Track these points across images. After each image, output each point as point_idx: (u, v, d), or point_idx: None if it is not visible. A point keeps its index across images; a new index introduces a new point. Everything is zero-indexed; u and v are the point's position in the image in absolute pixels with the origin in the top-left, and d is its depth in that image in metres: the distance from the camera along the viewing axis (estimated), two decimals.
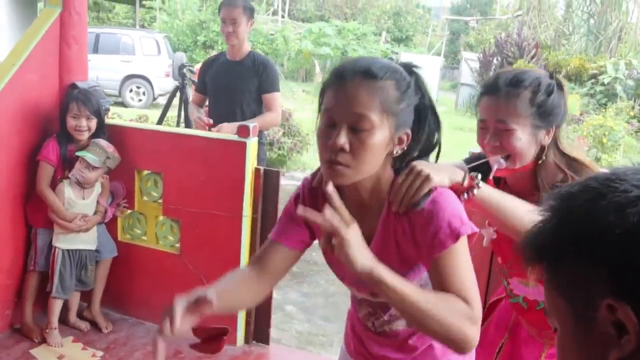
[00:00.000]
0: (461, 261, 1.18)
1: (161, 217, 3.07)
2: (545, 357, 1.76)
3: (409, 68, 1.27)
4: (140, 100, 13.58)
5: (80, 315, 3.13)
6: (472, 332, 1.11)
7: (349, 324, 1.57)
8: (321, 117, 1.22)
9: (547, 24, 19.40)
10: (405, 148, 1.25)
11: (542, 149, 1.53)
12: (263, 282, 1.38)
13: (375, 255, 1.13)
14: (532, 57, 16.49)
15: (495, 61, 17.21)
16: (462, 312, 1.11)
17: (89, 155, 2.83)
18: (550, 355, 1.74)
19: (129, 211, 3.13)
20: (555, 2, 21.24)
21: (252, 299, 1.42)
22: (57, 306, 2.94)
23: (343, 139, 1.15)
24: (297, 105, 12.31)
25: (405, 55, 21.47)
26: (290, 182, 7.15)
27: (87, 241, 2.96)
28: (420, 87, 1.26)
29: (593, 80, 15.31)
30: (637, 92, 14.54)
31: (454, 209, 1.21)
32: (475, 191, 1.35)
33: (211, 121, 3.27)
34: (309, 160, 7.99)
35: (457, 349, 1.13)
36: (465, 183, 1.34)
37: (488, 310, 1.93)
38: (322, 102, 1.24)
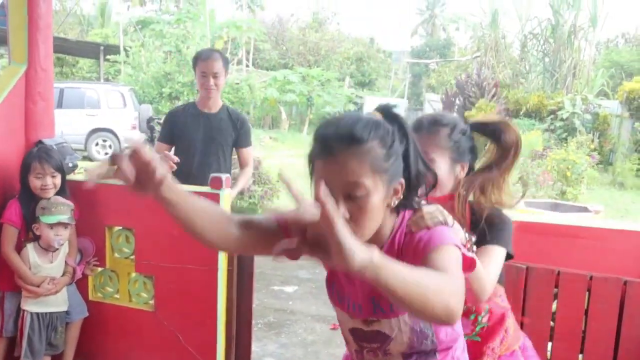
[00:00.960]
0: (451, 258, 1.17)
1: (134, 274, 2.99)
2: None
3: (389, 115, 1.30)
4: (106, 153, 13.42)
5: None
6: (457, 304, 1.07)
7: None
8: (315, 186, 1.22)
9: (504, 63, 20.02)
10: (402, 196, 1.27)
11: (458, 182, 1.71)
12: (234, 230, 1.30)
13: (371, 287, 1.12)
14: (493, 96, 16.96)
15: (457, 101, 17.64)
16: (446, 284, 1.08)
17: (61, 217, 2.77)
18: None
19: (99, 269, 3.04)
20: (511, 42, 22.01)
21: (213, 231, 1.29)
22: None
23: (342, 209, 1.17)
24: (265, 152, 12.33)
25: (370, 99, 21.88)
26: None
27: (57, 303, 2.86)
28: (404, 133, 1.28)
29: (552, 116, 15.78)
30: (595, 126, 15.04)
31: (449, 233, 1.25)
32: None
33: (176, 159, 3.15)
34: (280, 207, 7.95)
35: (442, 322, 1.13)
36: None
37: None
38: (312, 171, 1.27)
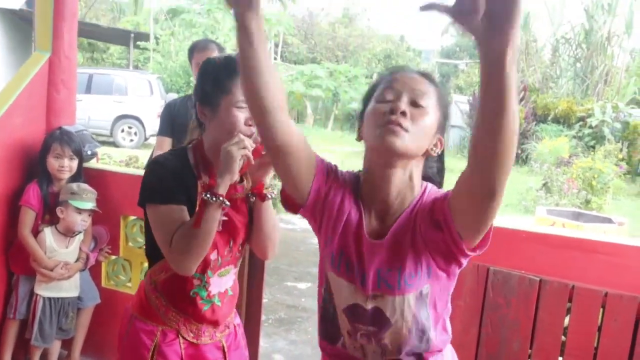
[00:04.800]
0: None
1: (146, 264, 3.00)
2: (228, 352, 1.81)
3: None
4: (131, 140, 13.59)
5: None
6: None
7: None
8: (377, 98, 1.29)
9: (534, 67, 19.74)
10: (439, 153, 1.35)
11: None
12: (285, 117, 1.23)
13: (387, 249, 1.27)
14: (521, 100, 16.71)
15: None
16: None
17: (91, 205, 2.83)
18: (229, 349, 1.82)
19: (113, 257, 3.07)
20: (543, 46, 21.67)
21: (271, 95, 1.19)
22: (36, 354, 2.87)
23: (405, 105, 1.24)
24: None
25: None
26: (281, 226, 7.11)
27: (69, 289, 2.89)
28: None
29: (581, 123, 15.54)
30: (624, 135, 14.74)
31: None
32: None
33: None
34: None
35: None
36: None
37: None
38: (376, 87, 1.33)
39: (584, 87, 18.67)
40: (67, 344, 3.08)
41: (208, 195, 1.51)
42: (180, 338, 1.72)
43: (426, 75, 1.32)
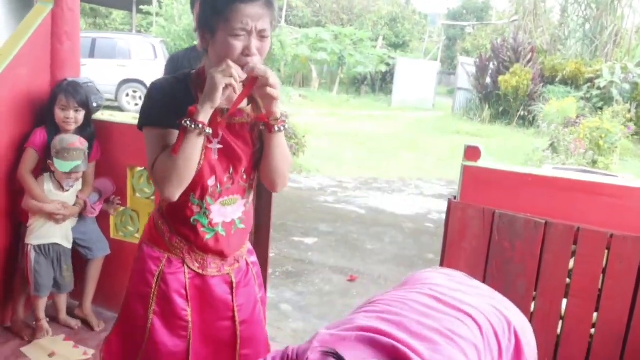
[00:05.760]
0: None
1: None
2: (237, 288, 1.81)
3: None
4: (136, 104, 13.54)
5: (71, 314, 3.09)
6: None
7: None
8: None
9: (543, 28, 19.42)
10: None
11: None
12: None
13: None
14: (529, 62, 16.52)
15: (491, 66, 17.24)
16: None
17: (74, 164, 2.78)
18: (238, 285, 1.81)
19: (122, 208, 3.09)
20: (551, 7, 21.30)
21: None
22: (40, 303, 2.88)
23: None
24: (294, 109, 12.30)
25: (402, 60, 21.52)
26: (288, 185, 7.11)
27: (59, 237, 2.88)
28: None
29: (589, 84, 15.36)
30: (633, 96, 14.57)
31: None
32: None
33: None
34: (305, 162, 7.97)
35: None
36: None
37: None
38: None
39: (592, 48, 18.39)
40: (77, 295, 3.13)
41: (187, 122, 1.49)
42: (186, 267, 1.73)
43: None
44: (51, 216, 2.81)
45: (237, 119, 1.65)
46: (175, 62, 3.43)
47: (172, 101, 1.58)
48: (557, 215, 2.28)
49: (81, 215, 2.97)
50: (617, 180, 2.41)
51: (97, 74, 12.81)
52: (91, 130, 2.95)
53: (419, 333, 1.08)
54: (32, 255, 2.82)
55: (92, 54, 13.41)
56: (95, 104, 3.17)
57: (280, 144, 1.66)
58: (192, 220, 1.68)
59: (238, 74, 1.48)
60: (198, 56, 3.37)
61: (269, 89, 1.52)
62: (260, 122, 1.64)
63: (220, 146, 1.63)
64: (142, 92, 13.53)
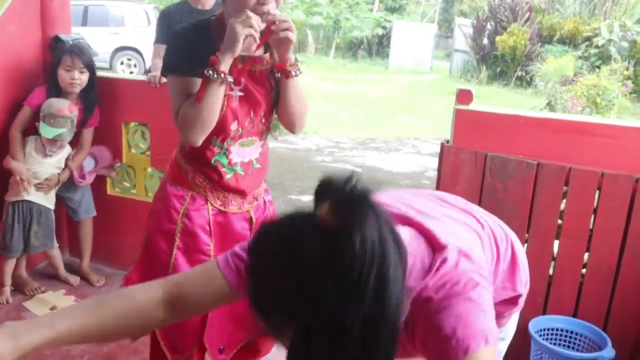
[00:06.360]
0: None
1: (149, 169, 3.05)
2: (255, 224, 1.85)
3: None
4: (131, 72, 13.41)
5: (74, 271, 3.13)
6: None
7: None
8: None
9: None
10: None
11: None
12: (161, 314, 1.03)
13: None
14: (526, 21, 16.35)
15: (489, 26, 17.07)
16: None
17: (58, 131, 2.75)
18: (257, 221, 1.86)
19: (118, 164, 3.10)
20: None
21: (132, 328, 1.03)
22: (7, 265, 2.84)
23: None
24: None
25: (399, 24, 21.28)
26: (283, 146, 7.13)
27: (39, 196, 2.85)
28: None
29: (587, 43, 15.22)
30: (632, 54, 14.45)
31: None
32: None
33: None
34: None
35: None
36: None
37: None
38: None
39: (591, 6, 18.15)
40: (77, 253, 3.17)
41: (210, 72, 1.53)
42: (209, 205, 1.79)
43: None
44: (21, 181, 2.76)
45: (257, 66, 1.69)
46: (166, 17, 3.41)
47: (195, 49, 1.62)
48: (550, 156, 2.30)
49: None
50: (609, 120, 2.42)
51: (90, 42, 12.69)
52: (94, 95, 2.93)
53: (427, 213, 1.07)
54: (9, 211, 2.80)
55: (84, 22, 13.24)
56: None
57: (296, 88, 1.71)
58: (213, 160, 1.74)
59: (257, 23, 1.51)
60: (190, 10, 3.35)
61: (289, 33, 1.56)
62: (277, 69, 1.68)
63: (241, 93, 1.68)
64: (136, 60, 13.40)
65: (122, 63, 13.53)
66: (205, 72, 1.54)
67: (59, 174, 2.88)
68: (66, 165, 2.91)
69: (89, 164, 3.03)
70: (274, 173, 5.09)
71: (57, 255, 3.06)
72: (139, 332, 1.03)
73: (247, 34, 1.49)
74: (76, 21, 13.09)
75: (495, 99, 12.68)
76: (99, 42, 12.91)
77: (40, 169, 2.83)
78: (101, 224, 3.15)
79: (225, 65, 1.54)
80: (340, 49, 22.61)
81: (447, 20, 28.95)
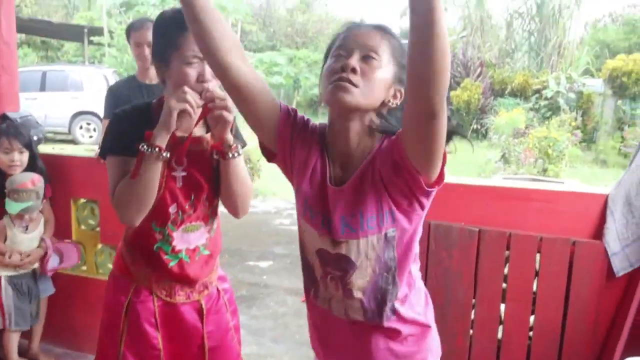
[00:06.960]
0: None
1: (100, 246, 3.02)
2: (207, 315, 1.80)
3: None
4: (90, 136, 13.35)
5: (23, 355, 3.02)
6: None
7: (311, 323, 1.52)
8: (332, 54, 1.30)
9: (490, 43, 19.98)
10: (398, 104, 1.31)
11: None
12: (237, 61, 1.27)
13: (349, 194, 1.28)
14: (479, 76, 16.97)
15: None
16: None
17: (24, 205, 2.75)
18: (208, 311, 1.80)
19: (67, 241, 3.06)
20: (497, 22, 21.94)
21: (219, 38, 1.26)
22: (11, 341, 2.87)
23: (355, 61, 1.24)
24: (249, 134, 12.28)
25: None
26: None
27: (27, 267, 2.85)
28: None
29: (537, 95, 15.83)
30: (579, 104, 15.10)
31: None
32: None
33: None
34: (261, 186, 7.98)
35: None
36: None
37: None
38: (333, 46, 1.33)
39: (538, 60, 19.00)
40: (26, 334, 3.07)
41: (144, 147, 1.51)
42: (154, 296, 1.73)
43: (381, 28, 1.31)
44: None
45: (197, 146, 1.67)
46: (114, 92, 3.45)
47: (134, 130, 1.58)
48: (492, 222, 2.37)
49: None
50: (547, 185, 2.52)
51: (49, 107, 12.64)
52: (41, 167, 2.91)
53: None
54: (3, 287, 2.79)
55: (43, 88, 13.23)
56: (35, 137, 3.14)
57: (236, 169, 1.67)
58: (155, 247, 1.69)
59: (194, 99, 1.50)
60: (139, 85, 3.39)
61: (224, 112, 1.54)
62: (214, 149, 1.66)
63: (184, 173, 1.65)
64: (95, 124, 13.35)
65: (81, 127, 13.47)
66: (140, 147, 1.52)
67: (39, 247, 2.87)
68: (42, 240, 2.88)
69: (54, 260, 2.96)
70: (232, 239, 5.07)
71: (16, 337, 2.93)
72: (219, 42, 1.27)
73: (181, 108, 1.48)
74: (34, 87, 13.06)
75: (451, 153, 12.94)
76: (58, 107, 12.90)
77: (27, 244, 2.83)
78: (51, 302, 3.07)
79: (160, 140, 1.52)
80: (301, 107, 22.95)
81: None
